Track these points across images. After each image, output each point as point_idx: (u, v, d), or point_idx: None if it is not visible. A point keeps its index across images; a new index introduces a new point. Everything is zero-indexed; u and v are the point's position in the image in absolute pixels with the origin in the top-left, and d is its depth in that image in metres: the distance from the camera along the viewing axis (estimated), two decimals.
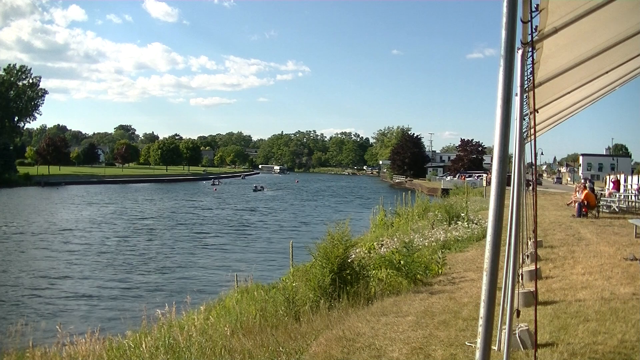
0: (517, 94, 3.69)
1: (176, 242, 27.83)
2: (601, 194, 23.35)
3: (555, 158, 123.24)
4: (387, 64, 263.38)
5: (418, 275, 9.15)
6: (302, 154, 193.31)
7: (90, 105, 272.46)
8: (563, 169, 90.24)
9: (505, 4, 1.93)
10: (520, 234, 7.28)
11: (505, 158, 1.99)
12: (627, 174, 35.37)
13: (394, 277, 9.34)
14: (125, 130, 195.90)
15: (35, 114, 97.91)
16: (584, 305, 6.53)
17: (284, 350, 5.91)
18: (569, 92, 5.54)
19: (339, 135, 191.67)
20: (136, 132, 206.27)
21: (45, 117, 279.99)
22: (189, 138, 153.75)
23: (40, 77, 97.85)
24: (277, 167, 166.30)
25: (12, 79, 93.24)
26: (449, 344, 5.46)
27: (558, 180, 61.43)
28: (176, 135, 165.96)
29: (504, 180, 2.03)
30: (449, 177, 67.70)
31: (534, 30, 3.12)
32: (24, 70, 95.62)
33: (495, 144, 1.99)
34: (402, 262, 9.33)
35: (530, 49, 3.57)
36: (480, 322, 1.98)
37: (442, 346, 5.41)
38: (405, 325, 6.30)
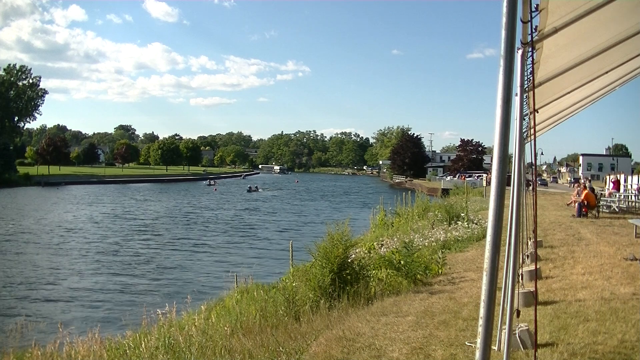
0: (517, 94, 3.69)
1: (176, 242, 27.82)
2: (601, 194, 23.36)
3: (555, 158, 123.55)
4: (387, 64, 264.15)
5: (418, 275, 9.15)
6: (302, 154, 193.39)
7: (90, 105, 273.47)
8: (563, 169, 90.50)
9: (505, 4, 1.93)
10: (520, 234, 7.28)
11: (505, 158, 1.99)
12: (627, 174, 35.43)
13: (394, 277, 9.34)
14: (125, 130, 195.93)
15: (35, 114, 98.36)
16: (584, 305, 6.53)
17: (284, 350, 5.91)
18: (569, 92, 5.54)
19: (339, 135, 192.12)
20: (136, 132, 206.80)
21: (45, 117, 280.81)
22: (189, 138, 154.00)
23: (40, 77, 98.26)
24: (277, 167, 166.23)
25: (12, 79, 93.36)
26: (449, 344, 5.46)
27: (554, 179, 61.81)
28: (176, 135, 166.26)
29: (504, 180, 2.03)
30: (449, 177, 67.76)
31: (534, 30, 3.12)
32: (24, 70, 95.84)
33: (495, 144, 1.99)
34: (402, 262, 9.32)
35: (530, 49, 3.57)
36: (480, 322, 1.98)
37: (442, 346, 5.40)
38: (405, 325, 6.30)
